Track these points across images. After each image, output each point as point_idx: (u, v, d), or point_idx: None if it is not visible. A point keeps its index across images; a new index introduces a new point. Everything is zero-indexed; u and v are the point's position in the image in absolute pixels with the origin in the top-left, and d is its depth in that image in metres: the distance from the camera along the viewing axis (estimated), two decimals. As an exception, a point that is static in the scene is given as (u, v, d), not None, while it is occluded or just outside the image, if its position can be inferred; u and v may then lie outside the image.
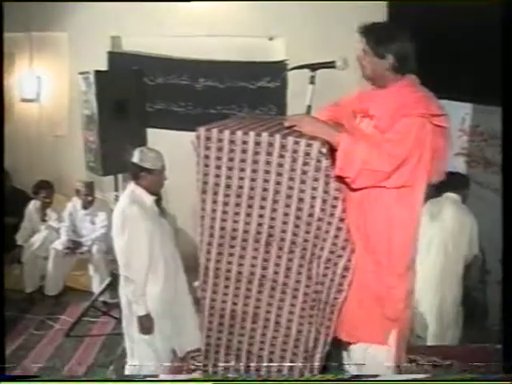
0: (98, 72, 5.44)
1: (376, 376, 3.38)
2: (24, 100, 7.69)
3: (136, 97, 5.70)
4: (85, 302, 6.24)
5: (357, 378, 3.42)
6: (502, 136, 3.20)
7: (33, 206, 7.03)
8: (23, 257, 6.85)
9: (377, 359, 3.42)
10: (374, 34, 3.20)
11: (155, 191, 4.28)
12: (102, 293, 6.21)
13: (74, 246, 6.67)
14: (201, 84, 7.17)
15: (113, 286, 6.10)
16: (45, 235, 6.89)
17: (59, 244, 6.68)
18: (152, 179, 4.22)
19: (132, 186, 4.27)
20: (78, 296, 6.69)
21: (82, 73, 5.59)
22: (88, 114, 5.54)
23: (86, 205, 6.68)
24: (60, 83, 7.51)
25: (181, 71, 7.16)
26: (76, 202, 6.74)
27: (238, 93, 7.07)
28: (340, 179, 3.13)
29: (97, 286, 6.50)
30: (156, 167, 4.22)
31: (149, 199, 4.25)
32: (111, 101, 5.43)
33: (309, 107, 3.58)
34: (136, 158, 4.24)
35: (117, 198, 5.83)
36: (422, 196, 3.25)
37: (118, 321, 5.96)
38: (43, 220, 7.00)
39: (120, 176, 6.05)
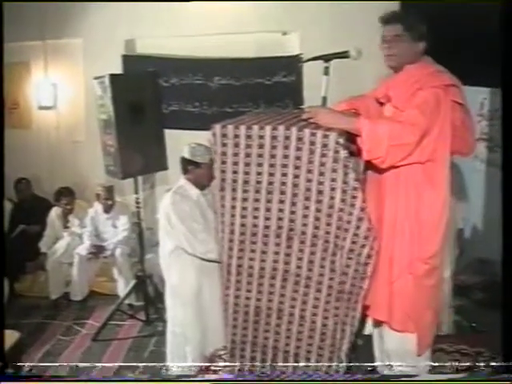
0: (112, 76, 5.45)
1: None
2: (41, 108, 7.73)
3: (152, 98, 5.71)
4: (110, 305, 6.24)
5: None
6: (502, 136, 3.21)
7: (55, 213, 7.07)
8: (47, 264, 6.88)
9: (409, 347, 3.43)
10: (410, 19, 3.25)
11: (204, 185, 4.31)
12: (127, 296, 6.22)
13: (97, 250, 6.68)
14: (215, 83, 7.15)
15: (138, 289, 6.13)
16: (68, 241, 6.92)
17: (82, 249, 6.71)
18: (200, 173, 4.30)
19: (181, 181, 4.40)
20: (104, 300, 6.71)
21: (97, 77, 5.60)
22: (105, 118, 5.55)
23: (107, 209, 6.70)
24: (76, 89, 7.54)
25: (195, 71, 7.15)
26: (97, 207, 6.76)
27: (254, 89, 7.04)
28: (368, 163, 3.14)
29: (122, 290, 6.51)
30: (204, 161, 4.28)
31: (195, 192, 4.33)
32: (127, 104, 5.44)
33: (324, 98, 3.57)
34: (186, 152, 4.34)
35: (137, 201, 5.87)
36: (447, 171, 3.25)
37: (145, 323, 6.01)
38: (66, 226, 7.03)
39: (140, 178, 6.08)
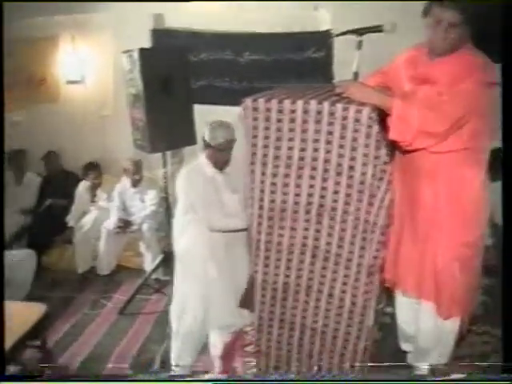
0: (141, 50, 5.40)
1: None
2: (69, 82, 7.73)
3: (180, 73, 5.66)
4: (137, 280, 6.24)
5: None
6: (503, 136, 3.11)
7: (82, 187, 7.07)
8: (75, 238, 6.91)
9: (450, 329, 3.44)
10: (465, 5, 3.15)
11: (220, 165, 4.27)
12: (154, 270, 6.21)
13: (125, 224, 6.69)
14: (245, 58, 7.09)
15: (165, 263, 6.13)
16: (95, 216, 6.94)
17: (110, 223, 6.72)
18: (217, 154, 4.23)
19: (200, 158, 4.36)
20: (131, 274, 6.71)
21: (125, 51, 5.56)
22: (134, 93, 5.52)
23: (135, 183, 6.69)
24: (104, 63, 7.52)
25: (224, 46, 7.09)
26: (125, 181, 6.74)
27: (284, 65, 6.97)
28: (394, 143, 3.10)
29: (149, 264, 6.52)
30: (217, 142, 4.21)
31: (211, 171, 4.28)
32: (156, 78, 5.40)
33: (356, 74, 3.53)
34: (205, 132, 4.28)
35: (165, 176, 5.85)
36: (486, 157, 3.21)
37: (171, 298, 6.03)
38: (93, 201, 7.05)
39: (168, 153, 6.06)
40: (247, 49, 7.07)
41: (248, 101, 3.14)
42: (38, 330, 4.82)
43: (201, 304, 4.35)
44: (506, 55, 3.04)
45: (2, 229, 3.50)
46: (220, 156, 4.23)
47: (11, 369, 4.88)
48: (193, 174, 4.29)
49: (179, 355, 4.52)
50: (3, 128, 3.42)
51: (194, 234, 4.33)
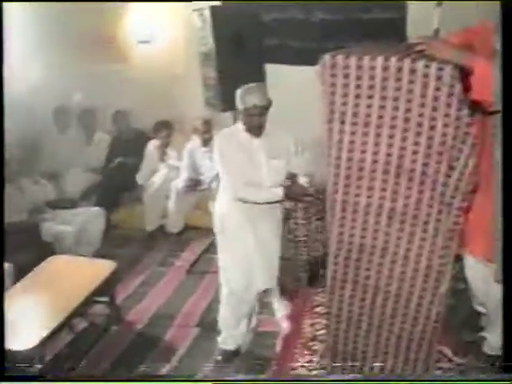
0: (213, 7, 5.36)
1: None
2: (140, 42, 7.73)
3: (252, 32, 5.60)
4: (206, 239, 6.24)
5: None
6: (503, 136, 2.98)
7: (152, 145, 7.10)
8: (144, 196, 6.98)
9: None
10: None
11: (253, 131, 4.13)
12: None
13: (194, 183, 6.68)
14: (317, 17, 6.97)
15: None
16: (165, 174, 6.98)
17: (179, 182, 6.74)
18: (245, 118, 4.11)
19: (238, 123, 4.27)
20: (199, 233, 6.74)
21: (196, 9, 5.52)
22: (205, 51, 5.49)
23: (206, 142, 6.65)
24: (174, 22, 7.49)
25: (296, 5, 6.99)
26: (195, 140, 6.73)
27: (356, 25, 6.82)
28: (476, 104, 2.98)
29: (217, 223, 6.54)
30: (245, 107, 4.08)
31: (245, 136, 4.16)
32: (227, 36, 5.35)
33: (437, 30, 3.42)
34: (236, 95, 4.17)
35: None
36: None
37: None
38: (163, 159, 7.07)
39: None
40: (319, 8, 6.95)
41: (326, 57, 3.07)
42: (107, 287, 4.95)
43: (240, 271, 4.34)
44: (506, 55, 2.89)
45: (2, 227, 3.52)
46: (250, 121, 4.08)
47: (79, 324, 4.99)
48: (226, 138, 4.21)
49: (225, 318, 4.53)
50: (3, 128, 3.41)
51: (224, 201, 4.32)
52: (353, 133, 3.12)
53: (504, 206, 2.99)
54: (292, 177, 4.20)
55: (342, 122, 3.13)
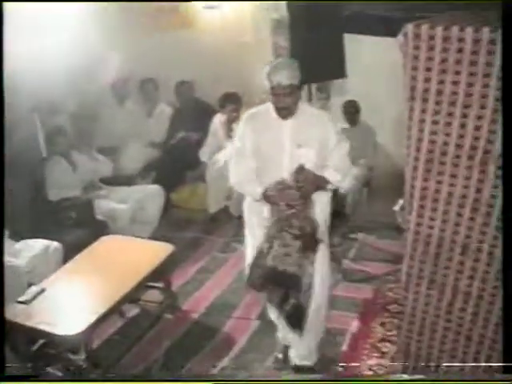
0: (288, -30, 5.32)
1: None
2: (207, 7, 7.71)
3: (329, -2, 5.52)
4: (273, 224, 6.22)
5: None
6: (503, 136, 2.93)
7: (218, 120, 7.07)
8: (208, 175, 6.95)
9: None
10: None
11: (281, 112, 3.92)
12: (290, 216, 6.20)
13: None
14: (400, -17, 6.84)
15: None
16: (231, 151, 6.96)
17: (247, 161, 6.72)
18: (273, 98, 3.89)
19: (268, 103, 4.07)
20: (266, 217, 6.72)
21: (269, -28, 5.50)
22: (277, 18, 5.48)
23: (275, 120, 6.64)
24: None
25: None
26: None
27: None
28: None
29: (286, 208, 6.49)
30: (271, 85, 3.84)
31: (272, 116, 3.96)
32: (302, 2, 5.30)
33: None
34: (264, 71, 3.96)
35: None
36: None
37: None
38: (229, 135, 7.03)
39: (314, 86, 5.97)
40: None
41: (409, 27, 2.98)
42: (163, 272, 4.99)
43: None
44: (506, 55, 2.81)
45: (2, 226, 3.58)
46: (277, 101, 3.87)
47: (130, 310, 5.05)
48: (251, 118, 4.08)
49: None
50: (3, 127, 3.43)
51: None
52: (436, 112, 3.04)
53: (504, 206, 2.99)
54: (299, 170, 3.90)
55: (425, 100, 3.05)
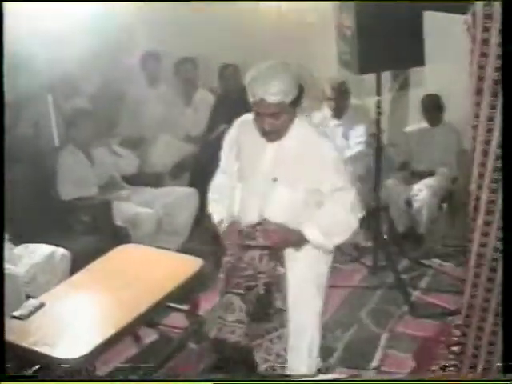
0: None
1: None
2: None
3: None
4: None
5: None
6: (503, 136, 3.06)
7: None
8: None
9: None
10: None
11: (263, 132, 3.67)
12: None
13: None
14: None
15: (368, 224, 6.09)
16: (283, 151, 7.01)
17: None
18: (255, 115, 3.68)
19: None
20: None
21: None
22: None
23: (338, 113, 6.67)
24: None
25: None
26: (325, 109, 6.76)
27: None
28: None
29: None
30: (254, 99, 3.56)
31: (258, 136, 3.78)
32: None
33: None
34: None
35: (379, 106, 5.79)
36: None
37: (370, 270, 6.14)
38: (281, 131, 7.12)
39: (386, 75, 5.99)
40: None
41: (478, 4, 3.06)
42: (189, 291, 5.02)
43: None
44: (506, 55, 2.94)
45: (2, 226, 3.68)
46: (260, 121, 3.60)
47: (148, 336, 5.10)
48: (243, 127, 3.92)
49: None
50: (3, 126, 3.56)
51: None
52: (507, 109, 3.11)
53: (504, 206, 3.12)
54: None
55: (495, 95, 3.11)
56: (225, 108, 7.36)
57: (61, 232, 5.63)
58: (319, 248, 3.73)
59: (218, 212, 4.03)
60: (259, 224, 3.68)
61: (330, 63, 6.08)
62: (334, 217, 3.67)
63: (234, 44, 7.40)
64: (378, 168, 6.03)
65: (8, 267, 4.83)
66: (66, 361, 4.04)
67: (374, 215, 6.05)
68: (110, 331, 4.25)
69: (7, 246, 5.05)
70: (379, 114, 5.91)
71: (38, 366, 4.39)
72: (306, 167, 3.60)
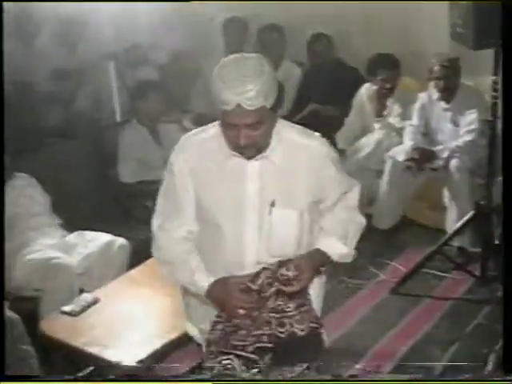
0: None
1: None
2: None
3: None
4: (430, 244, 6.20)
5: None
6: (503, 136, 3.33)
7: (366, 91, 7.10)
8: (345, 167, 6.96)
9: None
10: None
11: (237, 148, 3.22)
12: (457, 233, 6.13)
13: (423, 156, 6.58)
14: None
15: (476, 226, 6.08)
16: (379, 137, 6.97)
17: (400, 152, 6.68)
18: (225, 128, 3.19)
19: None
20: (421, 235, 6.77)
21: None
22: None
23: (447, 95, 6.56)
24: None
25: None
26: (432, 91, 6.66)
27: None
28: None
29: (451, 223, 6.41)
30: (224, 107, 3.04)
31: (224, 150, 3.29)
32: None
33: None
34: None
35: (496, 88, 5.65)
36: None
37: (478, 280, 5.94)
38: (380, 115, 7.05)
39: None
40: None
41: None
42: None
43: None
44: (506, 55, 3.17)
45: (2, 227, 3.68)
46: (232, 135, 3.14)
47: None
48: (192, 149, 3.41)
49: None
50: (3, 125, 3.55)
51: None
52: None
53: (504, 206, 3.25)
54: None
55: None
56: (314, 85, 7.35)
57: (120, 219, 5.66)
58: (342, 260, 3.50)
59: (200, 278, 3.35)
60: (277, 265, 3.24)
61: (443, 36, 5.92)
62: (347, 221, 3.55)
63: (328, 14, 7.33)
64: (491, 161, 5.88)
65: (59, 255, 4.91)
66: (119, 365, 4.04)
67: (484, 216, 5.94)
68: (171, 334, 4.24)
69: (59, 232, 5.11)
70: (495, 97, 5.73)
71: (91, 368, 4.33)
72: (303, 177, 3.34)
